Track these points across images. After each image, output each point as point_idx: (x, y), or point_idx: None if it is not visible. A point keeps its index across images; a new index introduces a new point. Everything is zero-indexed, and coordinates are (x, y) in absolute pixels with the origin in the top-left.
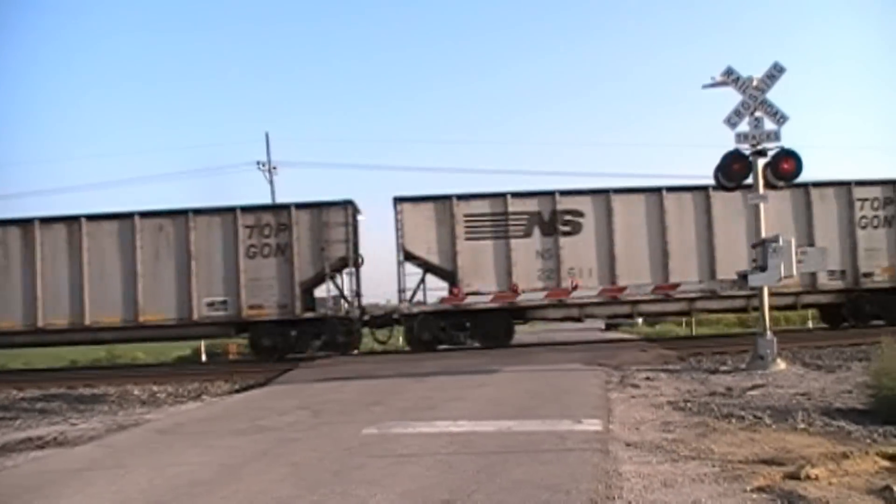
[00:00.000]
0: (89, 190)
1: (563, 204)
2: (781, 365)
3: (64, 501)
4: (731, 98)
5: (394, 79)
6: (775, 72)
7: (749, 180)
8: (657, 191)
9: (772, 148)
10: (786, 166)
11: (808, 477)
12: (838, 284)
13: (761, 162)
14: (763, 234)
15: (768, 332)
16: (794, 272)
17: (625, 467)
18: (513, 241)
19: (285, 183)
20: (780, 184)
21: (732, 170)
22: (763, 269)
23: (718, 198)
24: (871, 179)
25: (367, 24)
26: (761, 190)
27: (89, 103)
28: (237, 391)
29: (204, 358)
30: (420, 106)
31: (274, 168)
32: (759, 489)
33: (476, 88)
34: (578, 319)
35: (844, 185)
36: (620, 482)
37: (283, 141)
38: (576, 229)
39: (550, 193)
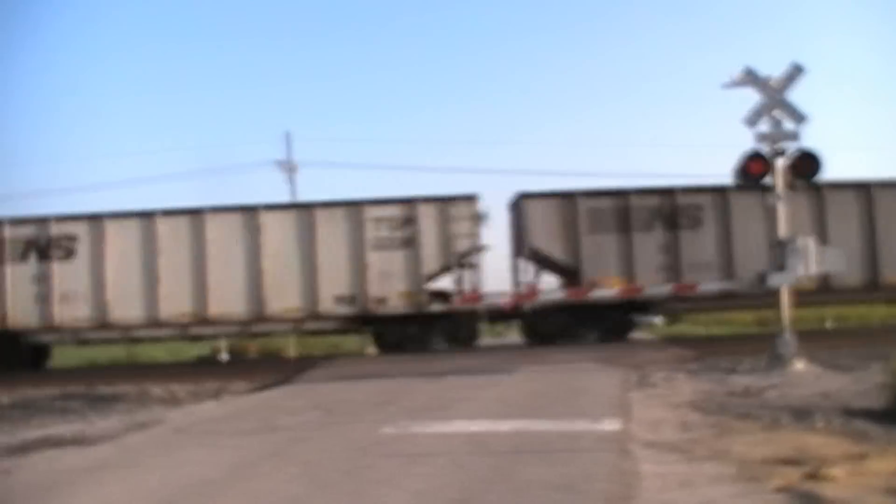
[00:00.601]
0: (103, 189)
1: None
2: (799, 365)
3: (76, 500)
4: (737, 100)
5: (413, 79)
6: (794, 72)
7: (768, 180)
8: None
9: (791, 148)
10: (805, 166)
11: (826, 477)
12: (347, 311)
13: (780, 162)
14: (781, 235)
15: (787, 332)
16: (814, 272)
17: (642, 467)
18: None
19: (306, 183)
20: (800, 184)
21: (751, 170)
22: (782, 268)
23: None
24: (384, 198)
25: (384, 24)
26: (780, 190)
27: (104, 103)
28: (255, 390)
29: (225, 357)
30: (440, 107)
31: (294, 167)
32: (778, 489)
33: (500, 89)
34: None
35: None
36: (637, 482)
37: (301, 141)
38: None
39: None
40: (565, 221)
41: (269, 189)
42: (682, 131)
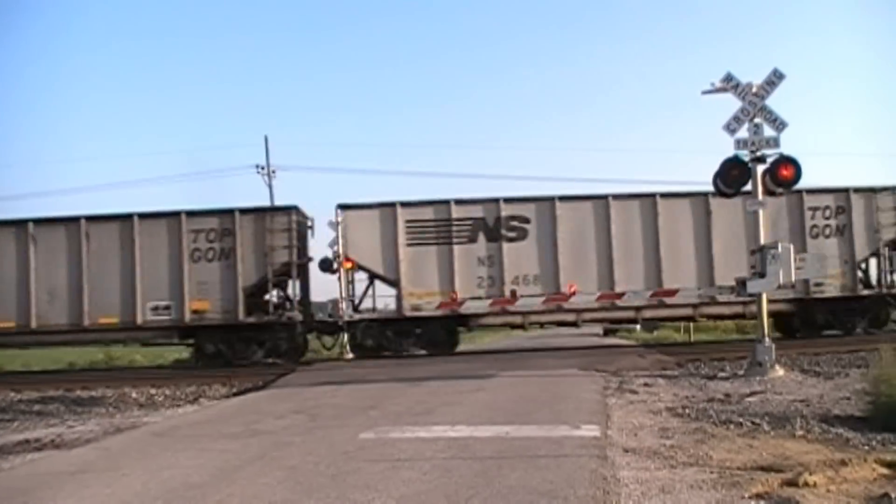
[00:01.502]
0: (84, 192)
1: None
2: (780, 371)
3: (58, 503)
4: (728, 104)
5: (395, 84)
6: (775, 78)
7: (748, 187)
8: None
9: (771, 154)
10: (785, 173)
11: (806, 484)
12: (164, 320)
13: (760, 168)
14: (762, 241)
15: (766, 339)
16: (793, 278)
17: (623, 473)
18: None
19: (285, 187)
20: (779, 190)
21: (731, 176)
22: (762, 275)
23: None
24: (203, 210)
25: (367, 28)
26: (760, 196)
27: (86, 106)
28: (234, 395)
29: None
30: (417, 112)
31: (273, 172)
32: (758, 496)
33: (479, 95)
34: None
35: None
36: (618, 488)
37: (281, 145)
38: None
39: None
40: (384, 233)
41: (251, 192)
42: (679, 136)
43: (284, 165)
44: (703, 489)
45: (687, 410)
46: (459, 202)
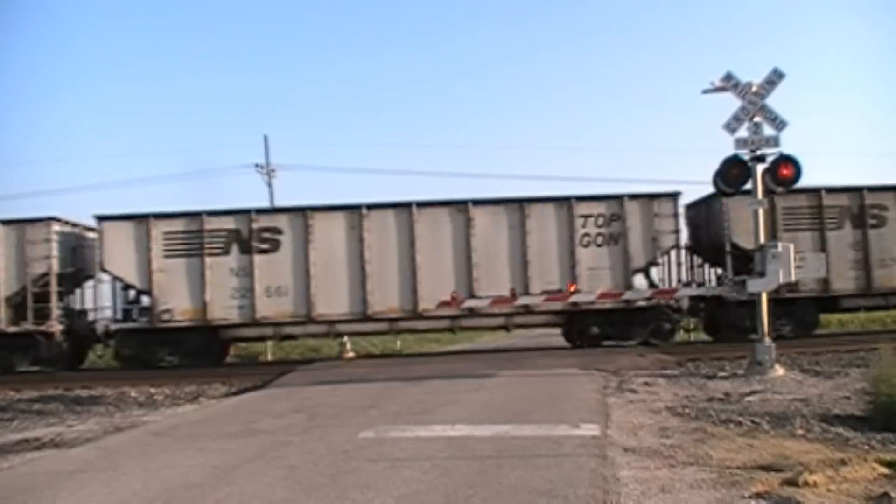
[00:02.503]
0: (82, 192)
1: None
2: (779, 371)
3: (58, 503)
4: (727, 103)
5: (394, 82)
6: (775, 77)
7: (748, 186)
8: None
9: (771, 153)
10: (785, 172)
11: (806, 483)
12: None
13: (760, 167)
14: (762, 240)
15: (766, 338)
16: (793, 278)
17: (622, 472)
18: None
19: (284, 186)
20: (779, 189)
21: (731, 175)
22: (762, 274)
23: None
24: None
25: (367, 26)
26: (760, 195)
27: (81, 104)
28: (234, 394)
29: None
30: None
31: (272, 171)
32: (757, 495)
33: (477, 90)
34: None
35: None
36: (618, 487)
37: (281, 144)
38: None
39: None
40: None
41: (251, 192)
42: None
43: (285, 164)
44: (703, 488)
45: (687, 410)
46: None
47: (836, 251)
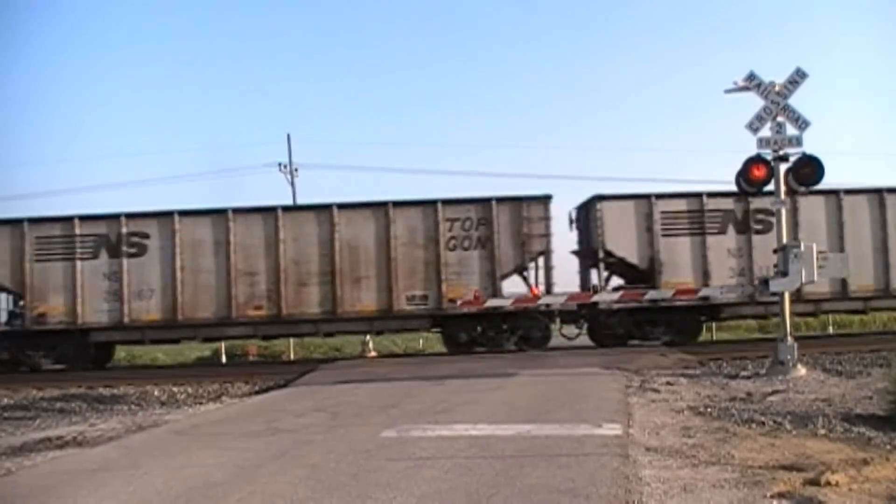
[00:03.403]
0: (103, 190)
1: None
2: (802, 370)
3: (79, 502)
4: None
5: (419, 82)
6: (797, 77)
7: (770, 186)
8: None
9: (794, 153)
10: (808, 172)
11: (828, 483)
12: None
13: (783, 167)
14: (784, 240)
15: (789, 338)
16: (815, 277)
17: (644, 472)
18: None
19: (306, 185)
20: (802, 189)
21: (753, 175)
22: (784, 274)
23: None
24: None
25: (387, 27)
26: (783, 195)
27: (103, 105)
28: (256, 393)
29: (224, 359)
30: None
31: (296, 170)
32: (779, 495)
33: (505, 94)
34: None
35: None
36: (640, 487)
37: (303, 143)
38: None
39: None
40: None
41: (273, 190)
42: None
43: (308, 164)
44: (725, 488)
45: (709, 409)
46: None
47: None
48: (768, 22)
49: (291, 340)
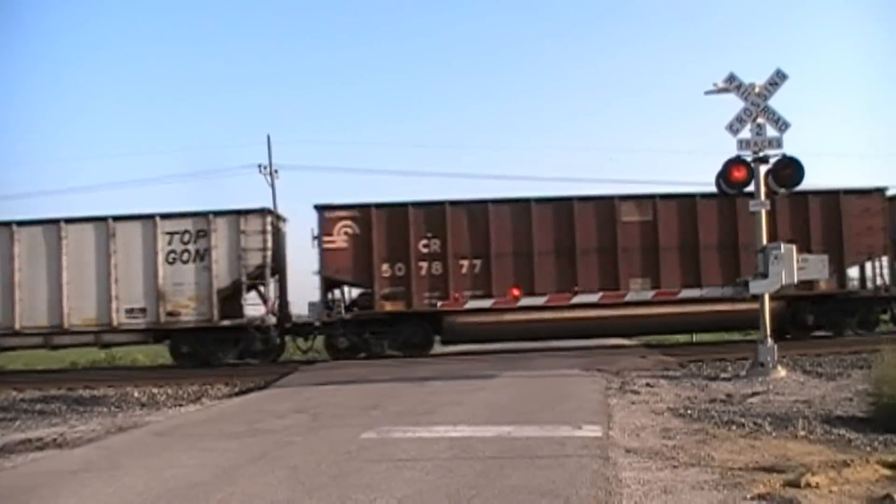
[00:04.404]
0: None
1: None
2: (782, 372)
3: (60, 503)
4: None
5: (400, 84)
6: (777, 79)
7: (750, 187)
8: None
9: (774, 155)
10: (788, 173)
11: (808, 485)
12: None
13: (763, 169)
14: (765, 241)
15: (769, 340)
16: (795, 279)
17: (624, 473)
18: None
19: (287, 186)
20: (782, 191)
21: (733, 177)
22: (764, 275)
23: None
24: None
25: (369, 26)
26: (763, 197)
27: (85, 106)
28: (236, 394)
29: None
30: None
31: (275, 171)
32: (759, 496)
33: (491, 94)
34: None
35: None
36: (620, 488)
37: (284, 144)
38: None
39: None
40: None
41: (252, 192)
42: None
43: (289, 165)
44: (705, 489)
45: (689, 411)
46: None
47: None
48: (768, 22)
49: None
